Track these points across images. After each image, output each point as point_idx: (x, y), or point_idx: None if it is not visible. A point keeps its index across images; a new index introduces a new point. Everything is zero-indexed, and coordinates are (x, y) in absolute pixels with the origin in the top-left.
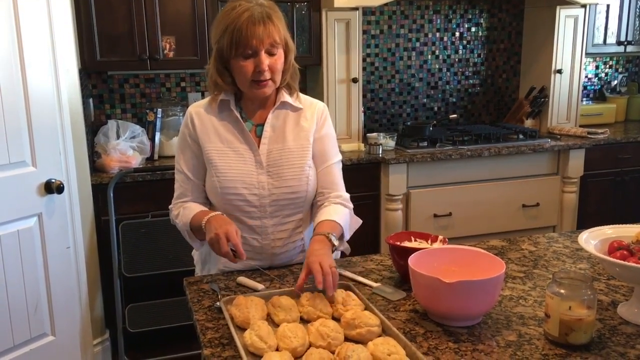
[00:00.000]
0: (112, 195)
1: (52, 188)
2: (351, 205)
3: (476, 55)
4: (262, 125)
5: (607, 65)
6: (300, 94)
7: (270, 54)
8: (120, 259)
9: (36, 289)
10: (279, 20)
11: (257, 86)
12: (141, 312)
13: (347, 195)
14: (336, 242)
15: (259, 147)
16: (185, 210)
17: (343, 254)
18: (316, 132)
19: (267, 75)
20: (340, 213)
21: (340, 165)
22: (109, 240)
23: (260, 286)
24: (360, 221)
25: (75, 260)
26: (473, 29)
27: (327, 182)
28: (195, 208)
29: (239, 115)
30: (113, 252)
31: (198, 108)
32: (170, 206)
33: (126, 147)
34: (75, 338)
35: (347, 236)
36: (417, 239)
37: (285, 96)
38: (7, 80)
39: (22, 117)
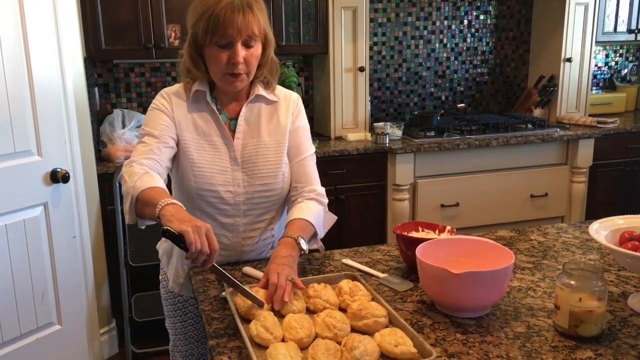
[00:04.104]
0: (118, 184)
1: (57, 177)
2: (326, 201)
3: (484, 43)
4: (236, 119)
5: (618, 54)
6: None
7: (247, 45)
8: (127, 249)
9: (42, 278)
10: (260, 11)
11: (230, 79)
12: (147, 301)
13: (322, 190)
14: (304, 247)
15: (233, 141)
16: (148, 176)
17: (317, 251)
18: (290, 124)
19: (242, 68)
20: (313, 211)
21: (315, 158)
22: (115, 230)
23: None
24: (335, 217)
25: (81, 250)
26: (482, 17)
27: (301, 176)
28: (159, 182)
29: (215, 108)
30: (119, 242)
31: (172, 92)
32: (128, 160)
33: (132, 137)
34: (81, 327)
35: (321, 234)
36: (424, 229)
37: (260, 89)
38: (12, 70)
39: (27, 107)
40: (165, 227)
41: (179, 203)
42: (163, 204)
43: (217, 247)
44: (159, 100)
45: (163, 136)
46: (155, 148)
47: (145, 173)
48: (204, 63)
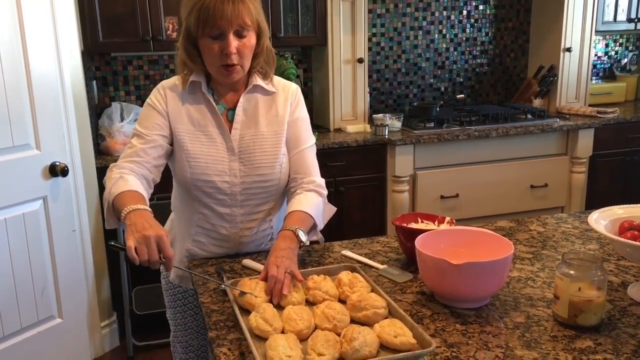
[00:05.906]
0: None
1: (56, 171)
2: (325, 192)
3: (484, 34)
4: (234, 109)
5: (617, 43)
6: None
7: (240, 36)
8: (126, 242)
9: (43, 272)
10: (251, 1)
11: (225, 72)
12: (148, 294)
13: (322, 181)
14: (304, 238)
15: (230, 132)
16: (122, 180)
17: (317, 242)
18: (289, 115)
19: (235, 59)
20: (312, 202)
21: (314, 149)
22: None
23: None
24: (335, 209)
25: (81, 243)
26: (481, 7)
27: (300, 167)
28: (132, 185)
29: (211, 98)
30: (119, 235)
31: (168, 86)
32: (112, 164)
33: (130, 130)
34: (82, 320)
35: (321, 225)
36: (423, 221)
37: (257, 79)
38: (9, 64)
39: (25, 100)
40: (110, 243)
41: (143, 207)
42: (126, 212)
43: (171, 254)
44: (155, 96)
45: (151, 135)
46: (139, 150)
47: (120, 178)
48: (199, 55)
